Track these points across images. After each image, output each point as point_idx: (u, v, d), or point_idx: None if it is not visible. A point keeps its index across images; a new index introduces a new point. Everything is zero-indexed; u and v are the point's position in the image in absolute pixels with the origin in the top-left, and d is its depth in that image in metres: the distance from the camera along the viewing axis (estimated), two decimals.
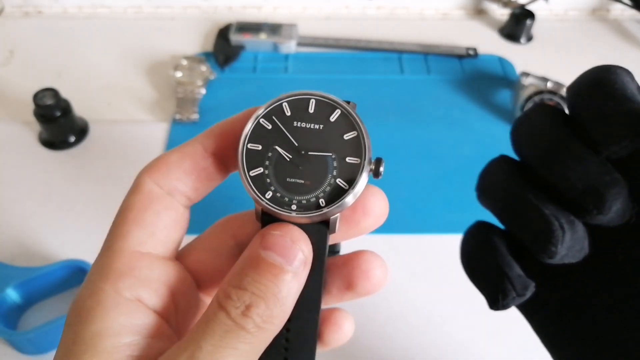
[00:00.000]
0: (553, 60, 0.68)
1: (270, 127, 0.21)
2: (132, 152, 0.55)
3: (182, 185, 0.21)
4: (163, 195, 0.21)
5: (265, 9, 0.75)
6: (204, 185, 0.22)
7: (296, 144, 0.20)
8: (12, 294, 0.41)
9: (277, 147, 0.20)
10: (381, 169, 0.20)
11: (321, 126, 0.20)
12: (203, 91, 0.60)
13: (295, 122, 0.21)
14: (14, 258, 0.46)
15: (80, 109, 0.57)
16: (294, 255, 0.19)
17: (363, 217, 0.21)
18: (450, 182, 0.53)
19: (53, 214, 0.50)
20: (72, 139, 0.56)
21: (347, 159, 0.20)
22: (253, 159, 0.20)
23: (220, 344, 0.17)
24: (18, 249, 0.47)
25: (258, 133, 0.21)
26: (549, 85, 0.58)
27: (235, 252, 0.23)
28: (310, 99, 0.21)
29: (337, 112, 0.20)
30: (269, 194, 0.20)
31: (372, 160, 0.20)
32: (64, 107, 0.53)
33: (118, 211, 0.22)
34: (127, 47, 0.68)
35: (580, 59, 0.69)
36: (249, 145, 0.21)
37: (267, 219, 0.20)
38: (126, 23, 0.72)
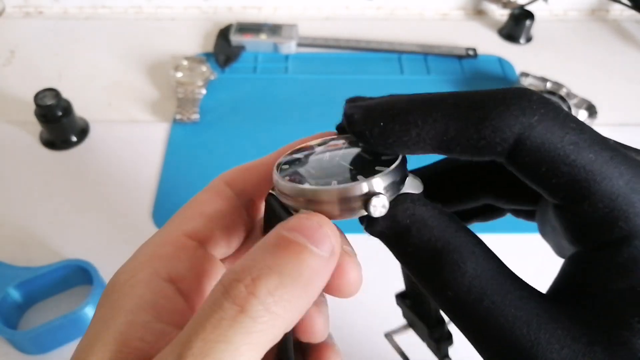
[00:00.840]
0: (552, 60, 0.68)
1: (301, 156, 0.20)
2: (132, 152, 0.56)
3: (248, 187, 0.22)
4: (225, 191, 0.21)
5: (266, 9, 0.75)
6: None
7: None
8: (13, 294, 0.41)
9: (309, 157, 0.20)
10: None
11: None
12: (203, 91, 0.60)
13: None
14: (14, 258, 0.46)
15: (80, 109, 0.57)
16: (321, 238, 0.16)
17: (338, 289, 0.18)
18: None
19: (53, 214, 0.50)
20: (73, 139, 0.56)
21: (376, 168, 0.18)
22: (287, 165, 0.19)
23: (212, 337, 0.14)
24: (18, 249, 0.47)
25: (291, 159, 0.20)
26: (549, 85, 0.59)
27: (237, 203, 0.22)
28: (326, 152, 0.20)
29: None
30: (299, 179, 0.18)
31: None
32: (65, 107, 0.54)
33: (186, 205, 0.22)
34: (127, 48, 0.68)
35: (580, 60, 0.69)
36: (283, 160, 0.20)
37: (270, 209, 0.19)
38: (127, 23, 0.72)
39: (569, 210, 0.16)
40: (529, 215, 0.23)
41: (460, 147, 0.17)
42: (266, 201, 0.20)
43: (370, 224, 0.18)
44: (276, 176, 0.19)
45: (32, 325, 0.42)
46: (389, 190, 0.17)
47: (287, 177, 0.18)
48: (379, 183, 0.17)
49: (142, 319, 0.17)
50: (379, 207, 0.17)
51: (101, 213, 0.50)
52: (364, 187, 0.17)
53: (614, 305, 0.15)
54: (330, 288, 0.19)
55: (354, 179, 0.17)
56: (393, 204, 0.17)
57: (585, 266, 0.16)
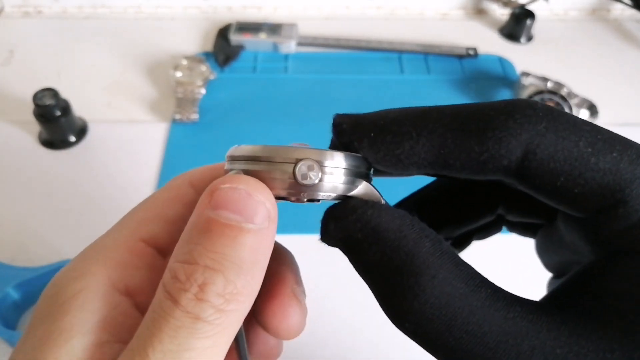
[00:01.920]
0: (553, 60, 0.68)
1: None
2: (131, 152, 0.55)
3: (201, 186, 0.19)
4: (187, 189, 0.19)
5: (265, 9, 0.75)
6: None
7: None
8: (12, 294, 0.41)
9: None
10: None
11: None
12: (203, 91, 0.60)
13: None
14: (14, 258, 0.46)
15: (79, 109, 0.57)
16: (254, 209, 0.14)
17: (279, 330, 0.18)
18: None
19: (52, 213, 0.50)
20: (72, 138, 0.55)
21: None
22: None
23: (172, 347, 0.13)
24: (18, 249, 0.47)
25: None
26: (549, 85, 0.58)
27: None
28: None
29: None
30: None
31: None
32: (64, 107, 0.53)
33: (142, 202, 0.19)
34: (126, 47, 0.68)
35: (581, 59, 0.69)
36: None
37: None
38: (126, 23, 0.72)
39: (597, 220, 0.14)
40: (527, 230, 0.21)
41: (459, 162, 0.15)
42: None
43: (323, 233, 0.16)
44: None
45: None
46: (333, 173, 0.16)
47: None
48: (317, 154, 0.15)
49: (100, 339, 0.15)
50: (306, 171, 0.15)
51: (100, 213, 0.49)
52: (295, 151, 0.15)
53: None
54: (269, 329, 0.18)
55: None
56: (343, 211, 0.15)
57: (604, 274, 0.14)
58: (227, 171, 0.17)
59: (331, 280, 0.42)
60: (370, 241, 0.15)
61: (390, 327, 0.15)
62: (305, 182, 0.15)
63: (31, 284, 0.42)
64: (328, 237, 0.16)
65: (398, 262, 0.14)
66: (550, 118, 0.14)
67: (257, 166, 0.16)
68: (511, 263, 0.42)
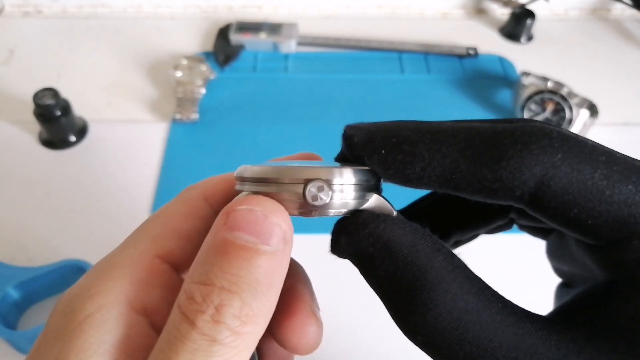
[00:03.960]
0: (553, 59, 0.68)
1: None
2: (131, 152, 0.55)
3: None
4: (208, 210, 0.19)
5: (266, 8, 0.75)
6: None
7: None
8: (12, 294, 0.41)
9: None
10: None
11: None
12: (203, 91, 0.60)
13: None
14: (14, 258, 0.46)
15: (80, 109, 0.57)
16: (270, 231, 0.15)
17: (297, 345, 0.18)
18: None
19: (52, 213, 0.50)
20: (72, 138, 0.55)
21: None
22: None
23: None
24: (17, 248, 0.47)
25: None
26: (550, 84, 0.58)
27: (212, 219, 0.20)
28: None
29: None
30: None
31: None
32: (64, 107, 0.53)
33: (157, 213, 0.19)
34: (126, 47, 0.68)
35: (581, 59, 0.69)
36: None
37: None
38: (126, 22, 0.72)
39: (611, 249, 0.14)
40: (539, 232, 0.21)
41: (471, 187, 0.15)
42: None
43: (333, 247, 0.16)
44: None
45: (31, 326, 0.42)
46: (343, 190, 0.16)
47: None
48: (325, 173, 0.15)
49: None
50: (316, 192, 0.15)
51: (100, 213, 0.49)
52: (303, 171, 0.15)
53: None
54: (287, 346, 0.18)
55: None
56: (355, 226, 0.15)
57: (616, 296, 0.14)
58: (237, 192, 0.17)
59: (336, 281, 0.43)
60: (383, 256, 0.15)
61: (392, 331, 0.15)
62: (315, 203, 0.15)
63: (31, 284, 0.42)
64: (339, 250, 0.16)
65: (410, 277, 0.14)
66: (567, 149, 0.14)
67: (267, 188, 0.16)
68: (517, 264, 0.42)
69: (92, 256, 0.43)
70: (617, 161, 0.14)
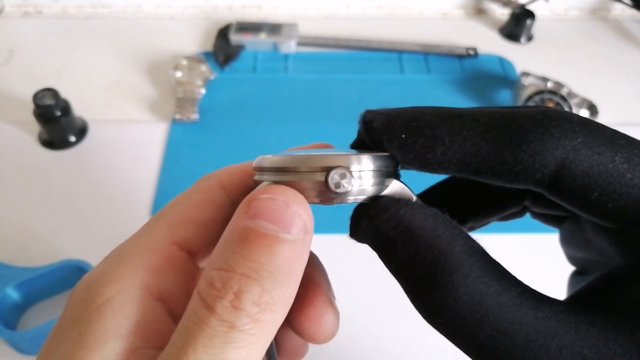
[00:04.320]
0: (553, 60, 0.68)
1: None
2: (131, 152, 0.55)
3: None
4: (221, 195, 0.19)
5: (266, 8, 0.75)
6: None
7: None
8: (12, 294, 0.41)
9: None
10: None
11: None
12: (203, 91, 0.60)
13: None
14: (14, 258, 0.46)
15: (79, 109, 0.57)
16: (291, 220, 0.15)
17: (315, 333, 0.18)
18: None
19: (52, 214, 0.50)
20: (72, 139, 0.55)
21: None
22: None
23: (206, 357, 0.13)
24: (17, 249, 0.47)
25: None
26: (549, 85, 0.58)
27: (230, 208, 0.19)
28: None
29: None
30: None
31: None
32: (64, 107, 0.53)
33: (175, 200, 0.19)
34: (126, 47, 0.68)
35: (581, 59, 0.69)
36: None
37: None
38: (126, 22, 0.72)
39: (630, 232, 0.14)
40: (552, 220, 0.21)
41: (491, 171, 0.15)
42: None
43: (353, 231, 0.16)
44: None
45: (31, 326, 0.42)
46: (362, 177, 0.16)
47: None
48: (345, 160, 0.15)
49: (134, 345, 0.15)
50: (339, 179, 0.15)
51: (100, 213, 0.49)
52: (323, 159, 0.15)
53: None
54: (304, 335, 0.18)
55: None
56: (375, 210, 0.15)
57: (634, 279, 0.14)
58: (257, 182, 0.17)
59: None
60: (404, 240, 0.15)
61: (402, 327, 0.15)
62: (338, 190, 0.15)
63: (30, 284, 0.42)
64: (358, 235, 0.16)
65: (432, 260, 0.14)
66: (587, 133, 0.14)
67: (287, 177, 0.16)
68: (520, 264, 0.42)
69: (92, 256, 0.43)
70: (637, 145, 0.14)
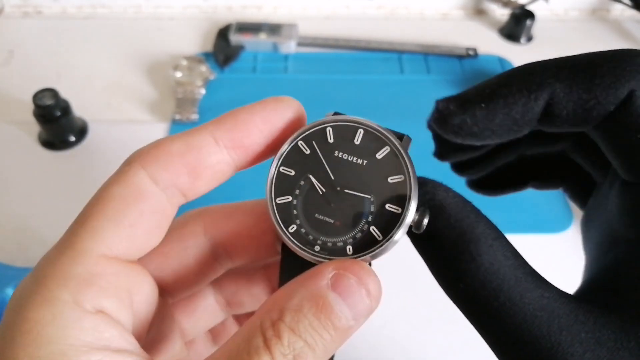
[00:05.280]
0: None
1: (308, 152, 0.18)
2: (131, 152, 0.55)
3: (180, 181, 0.18)
4: (154, 192, 0.17)
5: (265, 8, 0.75)
6: (207, 184, 0.18)
7: (333, 177, 0.18)
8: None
9: (311, 177, 0.18)
10: (425, 221, 0.17)
11: (365, 162, 0.18)
12: (203, 91, 0.60)
13: (336, 152, 0.18)
14: (13, 258, 0.46)
15: (79, 109, 0.57)
16: (364, 313, 0.16)
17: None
18: (451, 182, 0.53)
19: (53, 214, 0.50)
20: (72, 139, 0.55)
21: (387, 206, 0.17)
22: (283, 185, 0.18)
23: None
24: (17, 249, 0.47)
25: (294, 156, 0.18)
26: None
27: (206, 251, 0.20)
28: (359, 128, 0.18)
29: (386, 149, 0.18)
30: (292, 228, 0.18)
31: (416, 211, 0.17)
32: (64, 107, 0.53)
33: (94, 198, 0.17)
34: (126, 47, 0.68)
35: None
36: (281, 168, 0.18)
37: (288, 253, 0.18)
38: (126, 23, 0.72)
39: None
40: (581, 196, 0.22)
41: (566, 111, 0.15)
42: (283, 250, 0.19)
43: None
44: (284, 237, 0.18)
45: None
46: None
47: (297, 242, 0.18)
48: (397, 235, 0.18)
49: None
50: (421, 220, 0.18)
51: None
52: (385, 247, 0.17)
53: None
54: None
55: (365, 237, 0.17)
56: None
57: (627, 273, 0.15)
58: (284, 247, 0.19)
59: None
60: (436, 213, 0.17)
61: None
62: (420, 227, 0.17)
63: None
64: None
65: (459, 231, 0.16)
66: None
67: None
68: None
69: None
70: None
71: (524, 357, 0.15)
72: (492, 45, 0.70)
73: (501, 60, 0.67)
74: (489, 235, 0.16)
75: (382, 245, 0.17)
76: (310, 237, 0.18)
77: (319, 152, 0.18)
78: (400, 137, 0.18)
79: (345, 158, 0.18)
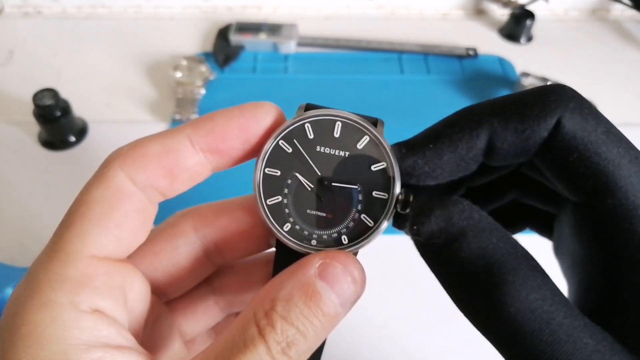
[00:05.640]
0: (553, 60, 0.68)
1: (290, 150, 0.19)
2: None
3: (158, 182, 0.18)
4: (135, 192, 0.18)
5: (265, 8, 0.75)
6: (184, 185, 0.19)
7: (319, 173, 0.18)
8: None
9: (297, 174, 0.19)
10: (410, 200, 0.18)
11: (347, 153, 0.18)
12: (202, 91, 0.60)
13: (318, 147, 0.19)
14: (14, 258, 0.46)
15: (79, 109, 0.57)
16: (350, 299, 0.17)
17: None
18: None
19: (53, 214, 0.50)
20: (72, 139, 0.55)
21: (374, 193, 0.18)
22: (270, 186, 0.19)
23: None
24: (18, 249, 0.47)
25: (277, 156, 0.19)
26: None
27: (197, 249, 0.21)
28: (337, 121, 0.19)
29: (366, 139, 0.18)
30: (287, 226, 0.19)
31: (400, 192, 0.18)
32: (64, 108, 0.53)
33: (77, 202, 0.19)
34: (126, 47, 0.68)
35: (580, 59, 0.69)
36: (266, 170, 0.19)
37: (283, 248, 0.19)
38: (126, 23, 0.72)
39: (589, 207, 0.16)
40: (544, 229, 0.22)
41: (506, 143, 0.17)
42: (277, 246, 0.20)
43: (419, 223, 0.16)
44: (280, 236, 0.19)
45: None
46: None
47: (293, 239, 0.19)
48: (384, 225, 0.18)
49: (91, 358, 0.16)
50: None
51: None
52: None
53: None
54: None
55: (358, 226, 0.18)
56: (443, 205, 0.16)
57: (612, 277, 0.15)
58: (278, 242, 0.19)
59: None
60: (474, 234, 0.16)
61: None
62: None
63: None
64: (423, 229, 0.17)
65: (500, 257, 0.15)
66: (578, 100, 0.16)
67: None
68: None
69: None
70: (613, 126, 0.16)
71: None
72: (492, 45, 0.70)
73: (501, 60, 0.67)
74: (529, 262, 0.15)
75: (374, 231, 0.18)
76: (306, 233, 0.19)
77: (301, 150, 0.19)
78: (375, 122, 0.19)
79: (328, 152, 0.19)
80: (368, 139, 0.19)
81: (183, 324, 0.23)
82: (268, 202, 0.19)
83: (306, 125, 0.19)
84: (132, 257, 0.20)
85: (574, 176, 0.16)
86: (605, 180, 0.16)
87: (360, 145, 0.19)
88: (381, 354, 0.41)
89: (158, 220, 0.20)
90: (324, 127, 0.19)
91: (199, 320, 0.24)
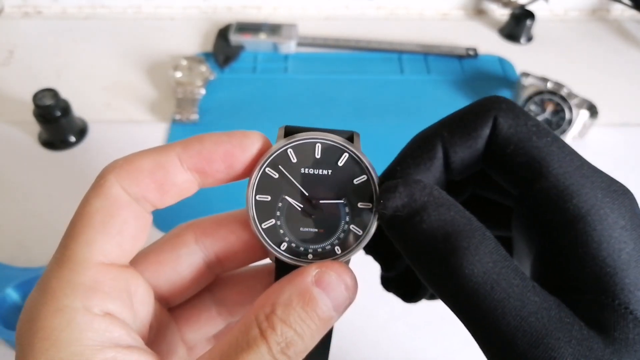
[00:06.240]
0: (553, 60, 0.68)
1: (277, 176, 0.20)
2: (131, 152, 0.55)
3: (149, 195, 0.20)
4: (130, 202, 0.20)
5: (265, 9, 0.75)
6: (173, 198, 0.21)
7: (306, 193, 0.20)
8: (12, 294, 0.41)
9: (286, 197, 0.20)
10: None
11: (329, 171, 0.20)
12: (202, 91, 0.60)
13: (302, 169, 0.20)
14: (14, 258, 0.46)
15: (79, 109, 0.57)
16: (343, 304, 0.19)
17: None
18: None
19: (52, 214, 0.50)
20: (72, 139, 0.55)
21: (359, 204, 0.20)
22: (263, 211, 0.20)
23: None
24: (18, 249, 0.47)
25: (265, 183, 0.20)
26: (549, 85, 0.58)
27: (198, 259, 0.23)
28: (316, 143, 0.20)
29: (345, 156, 0.20)
30: (284, 245, 0.20)
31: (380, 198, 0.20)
32: (64, 108, 0.53)
33: (78, 213, 0.20)
34: (126, 47, 0.68)
35: (580, 59, 0.69)
36: (257, 197, 0.20)
37: (282, 264, 0.20)
38: (125, 23, 0.72)
39: (528, 196, 0.18)
40: (506, 228, 0.23)
41: (459, 154, 0.19)
42: (276, 261, 0.21)
43: (385, 198, 0.18)
44: (279, 255, 0.20)
45: None
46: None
47: (291, 256, 0.20)
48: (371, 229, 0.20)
49: (106, 357, 0.18)
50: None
51: None
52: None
53: (595, 296, 0.16)
54: None
55: (348, 236, 0.20)
56: (406, 183, 0.18)
57: (551, 260, 0.17)
58: (278, 260, 0.21)
59: None
60: (434, 207, 0.18)
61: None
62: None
63: (30, 284, 0.42)
64: (389, 204, 0.19)
65: (457, 226, 0.17)
66: (509, 104, 0.19)
67: None
68: None
69: None
70: (541, 123, 0.19)
71: (520, 350, 0.16)
72: (492, 45, 0.70)
73: (501, 60, 0.68)
74: (482, 230, 0.17)
75: (363, 239, 0.20)
76: (302, 249, 0.20)
77: (287, 174, 0.20)
78: (350, 137, 0.20)
79: (312, 172, 0.20)
80: (347, 155, 0.20)
81: (186, 331, 0.25)
82: (263, 226, 0.20)
83: (288, 150, 0.20)
84: (138, 266, 0.21)
85: (512, 167, 0.18)
86: (538, 166, 0.17)
87: (341, 162, 0.20)
88: (381, 354, 0.41)
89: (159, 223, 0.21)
90: (305, 150, 0.20)
91: (201, 328, 0.25)
